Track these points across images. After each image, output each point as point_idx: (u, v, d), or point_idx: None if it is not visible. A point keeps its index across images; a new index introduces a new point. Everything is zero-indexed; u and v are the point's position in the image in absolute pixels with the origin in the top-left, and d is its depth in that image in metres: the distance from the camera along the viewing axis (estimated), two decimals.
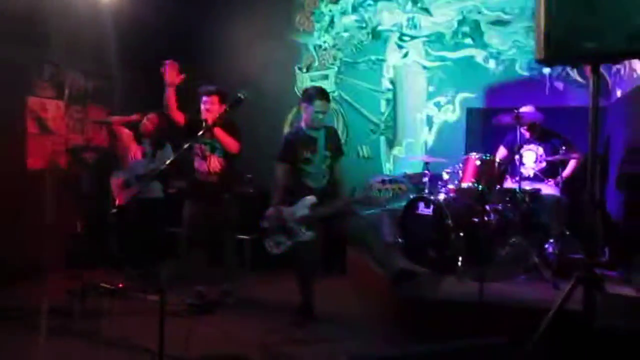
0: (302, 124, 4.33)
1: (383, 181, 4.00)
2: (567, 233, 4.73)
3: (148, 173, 5.26)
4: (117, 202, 5.36)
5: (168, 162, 3.03)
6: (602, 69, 2.70)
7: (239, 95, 3.09)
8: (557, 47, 2.46)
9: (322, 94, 4.21)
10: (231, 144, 4.44)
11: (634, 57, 3.28)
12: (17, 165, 5.48)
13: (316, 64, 7.00)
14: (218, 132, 4.32)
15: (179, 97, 4.36)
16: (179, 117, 4.41)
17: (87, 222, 5.32)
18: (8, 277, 5.02)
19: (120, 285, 4.98)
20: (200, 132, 3.23)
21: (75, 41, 5.85)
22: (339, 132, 4.81)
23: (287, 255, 4.16)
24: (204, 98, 4.45)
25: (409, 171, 6.38)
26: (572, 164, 4.91)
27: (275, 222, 4.18)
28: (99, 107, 6.45)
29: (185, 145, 3.06)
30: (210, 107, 4.41)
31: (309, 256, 4.21)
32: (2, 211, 5.17)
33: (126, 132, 5.62)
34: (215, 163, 4.52)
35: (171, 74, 4.23)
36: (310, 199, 4.14)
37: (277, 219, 4.17)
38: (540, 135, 5.02)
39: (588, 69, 5.50)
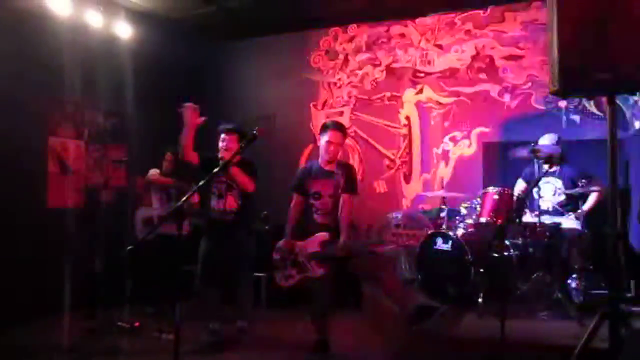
0: (319, 158, 4.36)
1: (397, 226, 3.99)
2: (590, 267, 4.62)
3: (169, 214, 5.30)
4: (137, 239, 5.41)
5: (184, 198, 3.02)
6: (619, 101, 2.68)
7: (252, 131, 3.11)
8: (571, 78, 2.45)
9: (335, 125, 4.23)
10: (247, 183, 4.44)
11: None
12: (38, 204, 5.55)
13: (331, 101, 7.06)
14: (234, 171, 4.33)
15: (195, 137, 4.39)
16: (193, 158, 4.40)
17: (104, 261, 5.33)
18: (25, 315, 5.02)
19: (137, 324, 4.95)
20: (216, 170, 3.25)
21: (93, 81, 5.97)
22: (355, 169, 4.70)
23: (302, 292, 4.17)
24: (223, 135, 4.49)
25: (426, 206, 6.35)
26: (592, 197, 4.82)
27: (287, 256, 4.21)
28: (117, 145, 6.54)
29: (201, 183, 3.06)
30: (228, 145, 4.44)
31: (322, 293, 4.16)
32: (21, 249, 5.21)
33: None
34: (231, 202, 4.52)
35: (192, 115, 4.23)
36: (322, 235, 4.12)
37: (289, 252, 4.20)
38: (559, 168, 4.96)
39: (604, 100, 5.48)
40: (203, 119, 4.30)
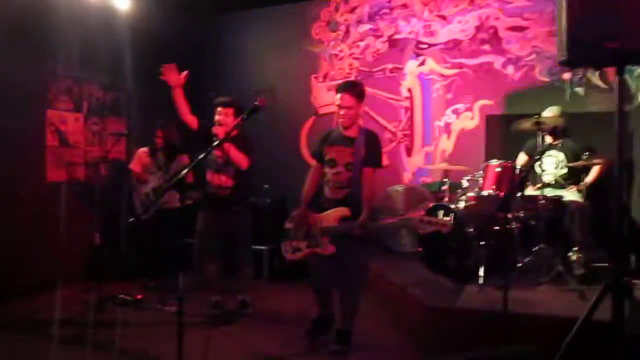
0: None
1: (422, 220, 3.59)
2: (592, 240, 4.62)
3: (162, 184, 5.32)
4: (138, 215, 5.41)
5: (183, 173, 3.00)
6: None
7: (255, 103, 3.06)
8: (579, 48, 2.40)
9: (343, 87, 3.78)
10: (241, 160, 4.39)
11: None
12: (37, 178, 5.53)
13: (332, 73, 6.98)
14: (228, 147, 4.28)
15: (190, 103, 4.30)
16: (192, 121, 4.33)
17: (104, 234, 5.34)
18: (26, 289, 5.05)
19: (138, 297, 4.98)
20: (213, 146, 3.22)
21: (92, 54, 5.91)
22: (380, 139, 3.97)
23: (304, 266, 3.98)
24: (219, 109, 4.44)
25: (428, 180, 6.33)
26: (595, 170, 4.80)
27: (300, 227, 3.86)
28: (117, 119, 6.49)
29: (199, 157, 3.03)
30: (223, 120, 4.39)
31: (325, 269, 3.83)
32: (20, 223, 5.21)
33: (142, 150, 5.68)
34: (226, 177, 4.50)
35: (172, 75, 4.14)
36: (342, 210, 3.72)
37: (303, 223, 3.85)
38: (562, 141, 4.92)
39: (611, 72, 5.43)
40: (184, 74, 4.18)
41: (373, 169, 3.77)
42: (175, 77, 4.16)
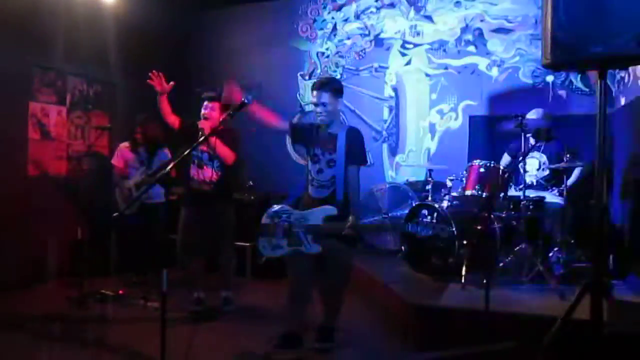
0: None
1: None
2: (572, 241, 4.70)
3: (145, 179, 5.29)
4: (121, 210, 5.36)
5: (167, 169, 3.00)
6: None
7: (242, 99, 3.06)
8: (564, 51, 2.44)
9: (320, 83, 3.62)
10: (227, 154, 4.40)
11: None
12: (18, 171, 5.46)
13: (318, 71, 7.00)
14: (214, 141, 4.28)
15: (172, 102, 4.36)
16: (174, 122, 4.39)
17: (87, 229, 5.29)
18: (8, 284, 4.99)
19: (121, 292, 4.95)
20: (199, 142, 3.22)
21: (76, 47, 5.85)
22: (362, 136, 3.79)
23: (284, 263, 3.84)
24: (206, 103, 4.45)
25: (412, 178, 6.38)
26: (576, 172, 4.88)
27: (279, 222, 3.65)
28: (101, 113, 6.44)
29: (184, 153, 3.02)
30: (210, 113, 4.40)
31: (307, 268, 3.64)
32: (2, 217, 5.14)
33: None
34: (210, 172, 4.48)
35: (160, 83, 4.21)
36: (330, 209, 3.55)
37: (284, 219, 3.64)
38: (545, 143, 4.99)
39: (593, 76, 5.51)
40: (171, 84, 4.26)
41: (357, 167, 3.66)
42: (162, 84, 4.22)
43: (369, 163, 3.74)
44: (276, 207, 3.70)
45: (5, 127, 5.30)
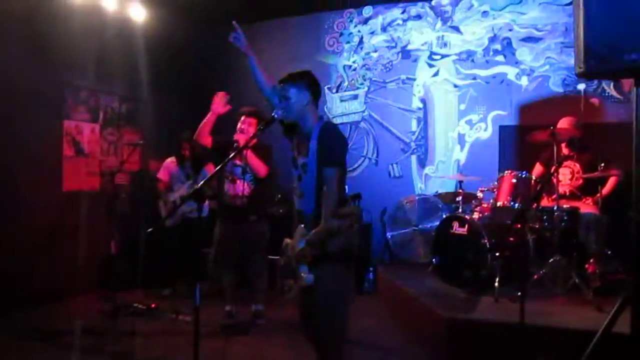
0: None
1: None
2: (608, 252, 4.59)
3: (189, 193, 5.37)
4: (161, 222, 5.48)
5: (201, 182, 3.05)
6: None
7: (272, 114, 3.08)
8: (597, 60, 2.40)
9: (284, 77, 3.10)
10: (260, 167, 4.45)
11: None
12: (53, 187, 5.58)
13: (346, 84, 7.01)
14: (248, 154, 4.34)
15: (205, 113, 4.41)
16: (207, 141, 4.45)
17: (120, 244, 5.38)
18: (42, 298, 5.08)
19: (153, 306, 5.01)
20: (233, 155, 3.25)
21: (107, 65, 5.97)
22: (337, 131, 3.00)
23: None
24: (243, 118, 4.53)
25: (442, 190, 6.32)
26: (611, 181, 4.77)
27: (285, 259, 2.93)
28: (132, 129, 6.56)
29: (220, 165, 3.06)
30: (246, 128, 4.48)
31: (313, 310, 2.82)
32: (37, 232, 5.26)
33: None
34: (243, 186, 4.53)
35: (219, 103, 4.30)
36: (301, 228, 2.84)
37: (286, 255, 2.92)
38: (578, 152, 4.90)
39: (627, 83, 5.39)
40: (228, 108, 4.35)
41: (330, 169, 2.79)
42: (222, 105, 4.31)
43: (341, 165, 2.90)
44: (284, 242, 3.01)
45: (41, 144, 5.44)
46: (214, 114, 4.34)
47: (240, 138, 4.41)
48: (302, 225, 2.83)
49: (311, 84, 3.10)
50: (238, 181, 4.53)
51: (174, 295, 5.41)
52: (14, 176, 5.09)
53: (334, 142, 2.91)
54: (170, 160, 5.78)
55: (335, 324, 2.83)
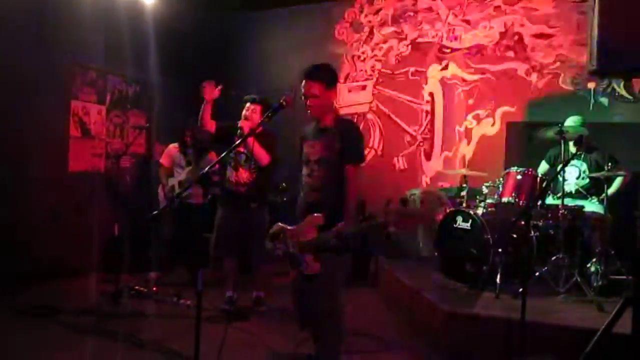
0: None
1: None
2: (611, 252, 4.57)
3: (189, 178, 5.36)
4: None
5: (207, 169, 3.07)
6: None
7: (280, 101, 3.07)
8: (611, 58, 2.38)
9: (308, 72, 3.13)
10: (262, 156, 4.43)
11: None
12: (59, 167, 5.60)
13: (354, 74, 6.98)
14: (251, 142, 4.33)
15: (214, 109, 4.41)
16: (211, 127, 4.43)
17: (124, 226, 5.40)
18: (44, 276, 5.11)
19: (154, 289, 5.02)
20: (237, 142, 3.23)
21: (116, 47, 5.97)
22: (359, 129, 3.30)
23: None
24: (248, 104, 4.52)
25: (447, 184, 6.31)
26: (618, 182, 4.75)
27: (278, 245, 3.11)
28: (139, 112, 6.56)
29: (225, 153, 3.05)
30: (250, 115, 4.47)
31: (314, 297, 3.03)
32: (42, 211, 5.28)
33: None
34: (245, 174, 4.53)
35: (209, 91, 4.28)
36: (317, 218, 2.96)
37: (281, 241, 3.09)
38: (585, 151, 4.88)
39: (638, 83, 5.34)
40: (219, 89, 4.30)
41: (354, 166, 3.03)
42: (212, 92, 4.28)
43: (364, 161, 3.14)
44: (274, 227, 3.19)
45: (47, 124, 5.45)
46: (208, 103, 4.33)
47: (244, 125, 4.40)
48: (317, 215, 2.93)
49: (335, 80, 3.19)
50: (241, 168, 4.53)
51: (161, 280, 5.38)
52: (19, 155, 5.10)
53: (358, 140, 3.11)
54: (173, 146, 5.73)
55: (337, 308, 2.99)
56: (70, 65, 5.69)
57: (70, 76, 5.73)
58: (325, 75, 3.13)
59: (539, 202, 4.62)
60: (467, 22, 6.40)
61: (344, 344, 3.14)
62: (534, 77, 6.05)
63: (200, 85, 4.27)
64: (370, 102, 6.85)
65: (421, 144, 6.61)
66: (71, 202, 5.62)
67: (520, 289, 3.51)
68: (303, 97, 3.12)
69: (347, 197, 2.99)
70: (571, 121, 4.86)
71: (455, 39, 6.46)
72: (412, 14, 6.69)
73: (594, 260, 4.46)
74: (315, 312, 3.01)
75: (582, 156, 4.88)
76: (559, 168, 4.44)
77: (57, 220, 5.43)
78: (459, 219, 4.80)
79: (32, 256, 5.12)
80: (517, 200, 4.66)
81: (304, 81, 3.10)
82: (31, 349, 3.66)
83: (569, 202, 4.64)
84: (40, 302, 4.56)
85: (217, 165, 3.06)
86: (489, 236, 4.48)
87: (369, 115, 6.87)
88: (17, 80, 5.04)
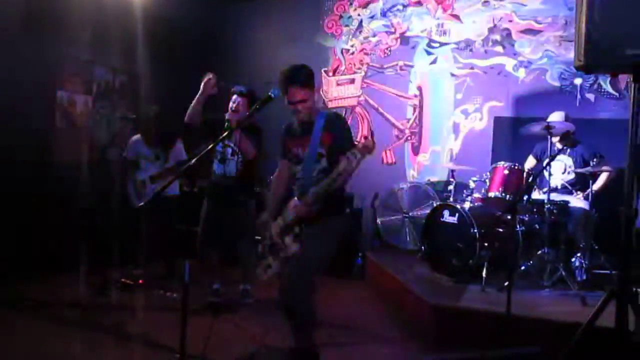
0: None
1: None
2: (595, 247, 4.63)
3: (163, 173, 5.24)
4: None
5: (192, 161, 3.02)
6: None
7: (269, 93, 3.06)
8: (598, 53, 2.40)
9: (289, 79, 3.11)
10: (248, 149, 4.43)
11: None
12: (44, 158, 5.53)
13: (343, 67, 6.97)
14: (238, 135, 4.31)
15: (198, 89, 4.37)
16: (197, 121, 4.40)
17: (109, 219, 5.34)
18: (30, 270, 5.06)
19: (140, 282, 5.00)
20: (224, 135, 3.20)
21: (103, 37, 5.89)
22: (344, 117, 3.42)
23: None
24: (235, 97, 4.47)
25: (433, 178, 6.34)
26: (603, 177, 4.80)
27: (264, 241, 3.26)
28: (125, 103, 6.49)
29: (210, 146, 3.04)
30: (237, 108, 4.43)
31: (294, 278, 3.10)
32: (27, 204, 5.21)
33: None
34: (231, 167, 4.51)
35: (207, 85, 4.27)
36: (294, 201, 3.10)
37: (265, 236, 3.25)
38: (571, 147, 4.92)
39: (623, 80, 5.39)
40: (215, 89, 4.32)
41: (341, 149, 2.95)
42: (209, 87, 4.28)
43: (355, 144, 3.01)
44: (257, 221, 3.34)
45: (32, 114, 5.37)
46: (203, 96, 4.30)
47: (232, 118, 4.38)
48: (296, 199, 3.08)
49: (313, 77, 3.24)
50: (228, 161, 4.51)
51: (162, 271, 5.36)
52: (2, 145, 5.03)
53: (347, 131, 3.21)
54: (137, 139, 5.51)
55: (312, 285, 3.11)
56: (56, 54, 5.61)
57: (56, 66, 5.65)
58: (308, 78, 3.17)
59: (525, 197, 4.65)
60: (456, 16, 6.41)
61: (319, 331, 3.31)
62: (521, 72, 6.08)
63: (199, 75, 4.23)
64: (359, 96, 6.85)
65: (409, 137, 6.63)
66: (57, 192, 5.55)
67: (506, 283, 3.56)
68: (289, 104, 3.14)
69: (331, 178, 2.96)
70: (554, 116, 4.90)
71: (444, 33, 6.47)
72: (401, 7, 6.68)
73: (578, 254, 4.52)
74: (292, 286, 3.09)
75: (568, 151, 4.93)
76: (544, 163, 4.49)
77: (41, 212, 5.36)
78: (446, 213, 4.83)
79: (17, 251, 5.05)
80: (503, 194, 4.69)
81: (288, 88, 3.08)
82: (17, 342, 3.64)
83: (554, 197, 4.67)
84: (26, 295, 4.52)
85: (199, 158, 2.98)
86: (475, 230, 4.52)
87: (358, 109, 6.87)
88: (1, 70, 4.96)
